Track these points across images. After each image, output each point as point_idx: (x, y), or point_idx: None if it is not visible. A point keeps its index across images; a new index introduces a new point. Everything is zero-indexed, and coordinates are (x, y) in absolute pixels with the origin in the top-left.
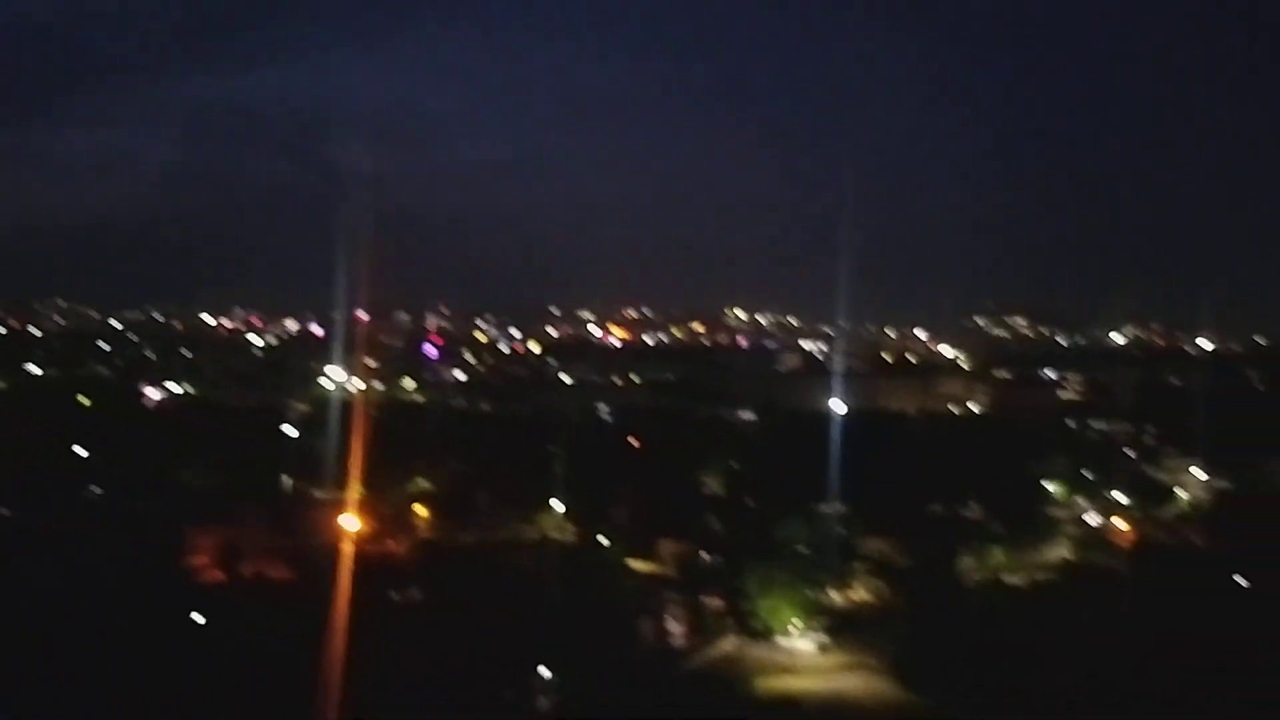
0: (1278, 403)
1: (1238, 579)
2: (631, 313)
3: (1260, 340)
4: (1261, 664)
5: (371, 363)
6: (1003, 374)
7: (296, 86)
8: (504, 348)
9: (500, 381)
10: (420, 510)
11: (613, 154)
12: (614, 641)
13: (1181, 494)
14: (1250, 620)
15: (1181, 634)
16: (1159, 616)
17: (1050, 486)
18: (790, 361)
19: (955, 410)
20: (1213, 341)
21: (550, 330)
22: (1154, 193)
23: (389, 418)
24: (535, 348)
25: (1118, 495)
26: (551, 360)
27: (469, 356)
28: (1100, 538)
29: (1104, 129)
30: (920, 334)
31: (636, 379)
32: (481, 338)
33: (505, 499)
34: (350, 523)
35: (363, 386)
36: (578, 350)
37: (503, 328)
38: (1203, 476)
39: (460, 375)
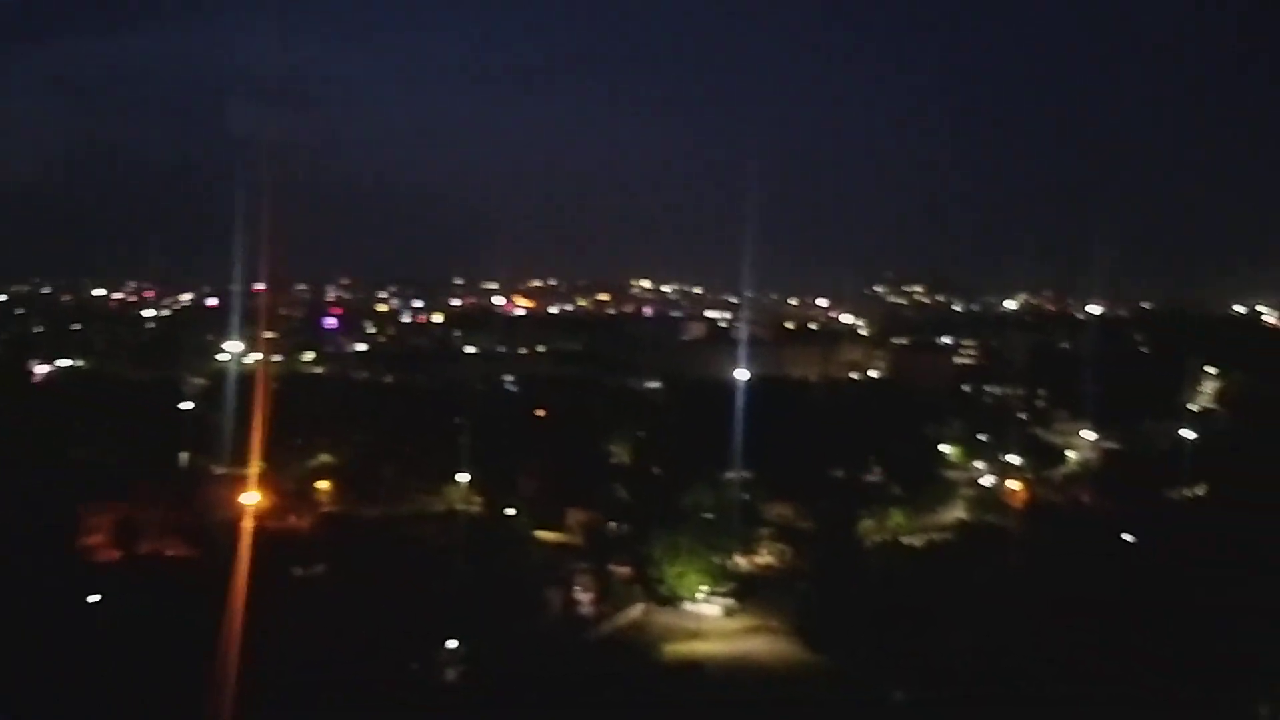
0: (1162, 365)
1: (1125, 536)
2: (537, 283)
3: (1146, 305)
4: (1146, 619)
5: (270, 335)
6: (901, 341)
7: (190, 50)
8: (406, 319)
9: (403, 353)
10: (323, 484)
11: (518, 124)
12: (521, 611)
13: (1072, 455)
14: (1135, 576)
15: (1071, 592)
16: (1050, 575)
17: (947, 450)
18: (695, 331)
19: (856, 377)
20: (1101, 307)
21: (454, 301)
22: (1044, 163)
23: (289, 391)
24: (438, 319)
25: (1011, 457)
26: (455, 331)
27: (370, 328)
28: (995, 499)
29: (995, 99)
30: (822, 302)
31: (542, 349)
32: (383, 309)
33: (410, 471)
34: (251, 498)
35: (261, 359)
36: (482, 321)
37: (405, 299)
38: (1091, 437)
39: (361, 347)
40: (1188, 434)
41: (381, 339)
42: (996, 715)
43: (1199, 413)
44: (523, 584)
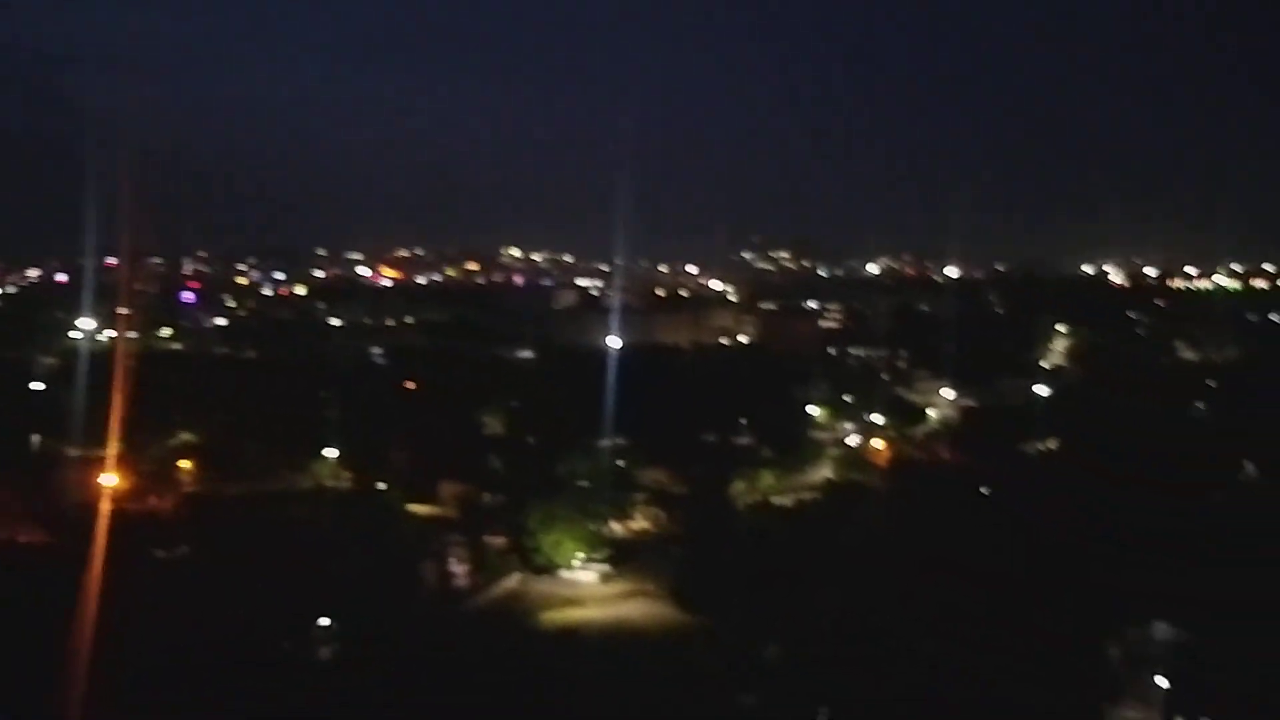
0: (1016, 325)
1: (983, 490)
2: (403, 253)
3: (1000, 267)
4: (1003, 570)
5: (125, 311)
6: (769, 306)
7: (33, 17)
8: (268, 292)
9: (265, 327)
10: (185, 464)
11: (382, 92)
12: (395, 586)
13: (932, 413)
14: (992, 528)
15: (933, 546)
16: (913, 530)
17: (814, 411)
18: (566, 299)
19: (726, 342)
20: (958, 270)
21: (317, 273)
22: (901, 131)
23: (146, 369)
24: (301, 291)
25: (875, 417)
26: (319, 304)
27: (230, 302)
28: (860, 457)
29: (854, 66)
30: (691, 269)
31: (410, 320)
32: (243, 282)
33: (276, 448)
34: (109, 480)
35: (116, 337)
36: (347, 293)
37: (265, 271)
38: (950, 395)
39: (221, 322)
40: (1041, 390)
41: (242, 313)
42: (865, 670)
43: (1051, 369)
44: (395, 559)
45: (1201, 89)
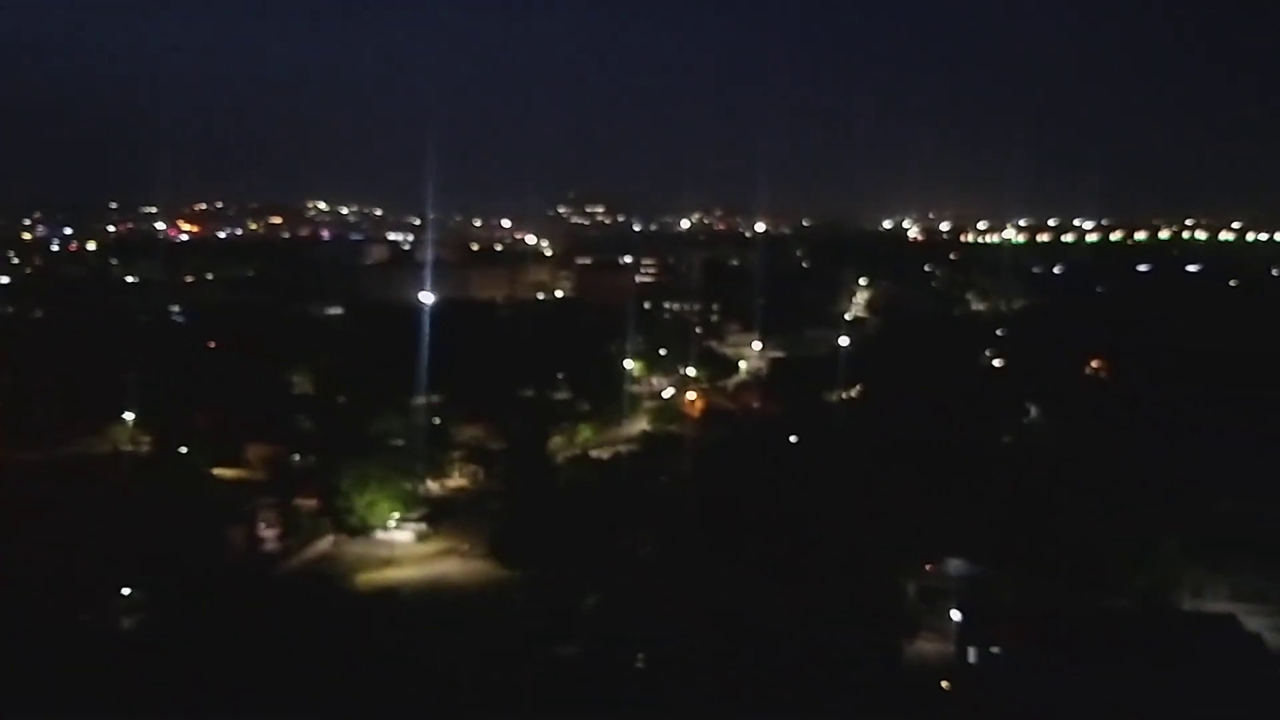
0: (821, 278)
1: (791, 438)
2: (202, 206)
3: (806, 222)
4: (808, 513)
5: None
6: (584, 260)
7: None
8: (55, 247)
9: (53, 285)
10: None
11: (177, 32)
12: (200, 553)
13: (743, 364)
14: (797, 473)
15: (744, 492)
16: (725, 477)
17: (630, 365)
18: (377, 253)
19: (542, 297)
20: (766, 225)
21: (109, 227)
22: (711, 87)
23: None
24: (92, 246)
25: (689, 369)
26: (113, 260)
27: (14, 259)
28: (675, 409)
29: (666, 23)
30: (506, 224)
31: (211, 277)
32: (28, 237)
33: (70, 412)
34: None
35: None
36: (142, 248)
37: (52, 226)
38: (760, 347)
39: (3, 280)
40: (844, 341)
41: (28, 270)
42: (680, 616)
43: (853, 320)
44: (200, 524)
45: (989, 55)
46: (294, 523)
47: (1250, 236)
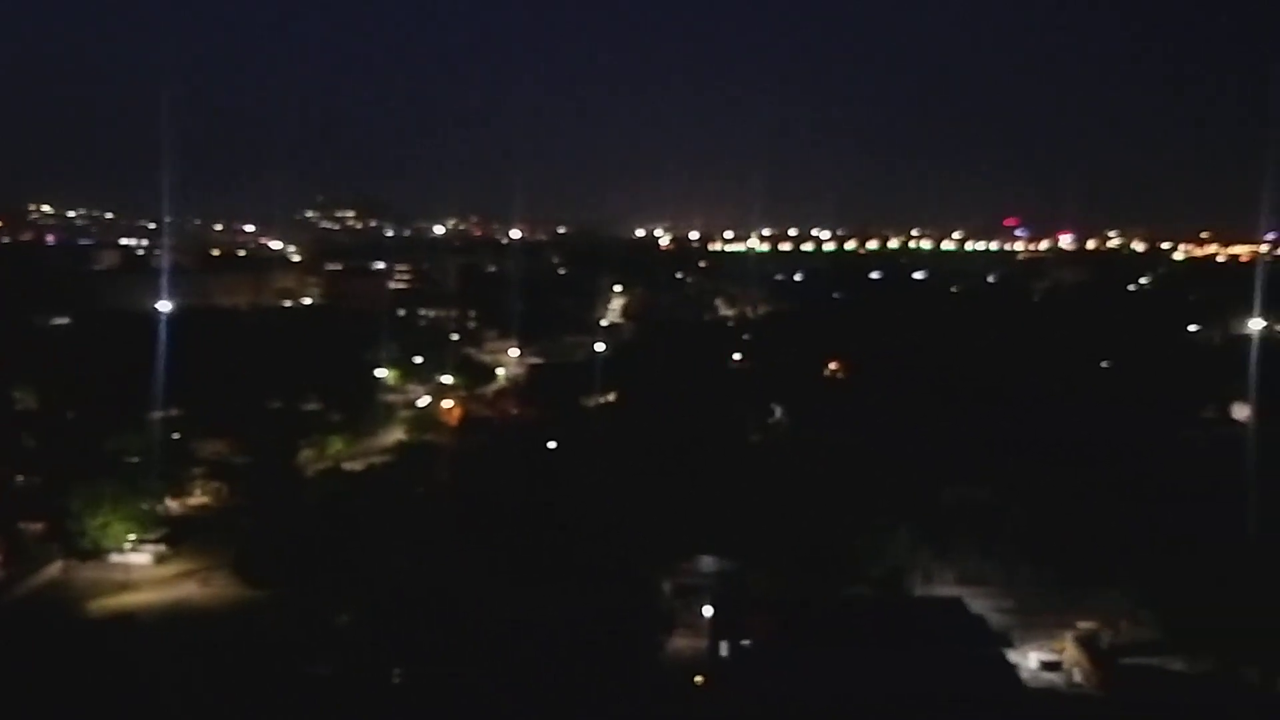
0: (577, 285)
1: (549, 444)
2: None
3: (562, 230)
4: (565, 517)
5: None
6: (334, 266)
7: None
8: None
9: None
10: None
11: None
12: None
13: (501, 371)
14: (555, 478)
15: (500, 500)
16: (481, 486)
17: (384, 373)
18: (108, 259)
19: (289, 304)
20: (522, 231)
21: None
22: (463, 92)
23: None
24: None
25: (446, 377)
26: None
27: None
28: (431, 418)
29: (416, 28)
30: (249, 228)
31: None
32: None
33: None
34: None
35: None
36: None
37: None
38: (517, 354)
39: None
40: (600, 346)
41: None
42: (437, 628)
43: (609, 326)
44: None
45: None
46: (18, 548)
47: (969, 246)
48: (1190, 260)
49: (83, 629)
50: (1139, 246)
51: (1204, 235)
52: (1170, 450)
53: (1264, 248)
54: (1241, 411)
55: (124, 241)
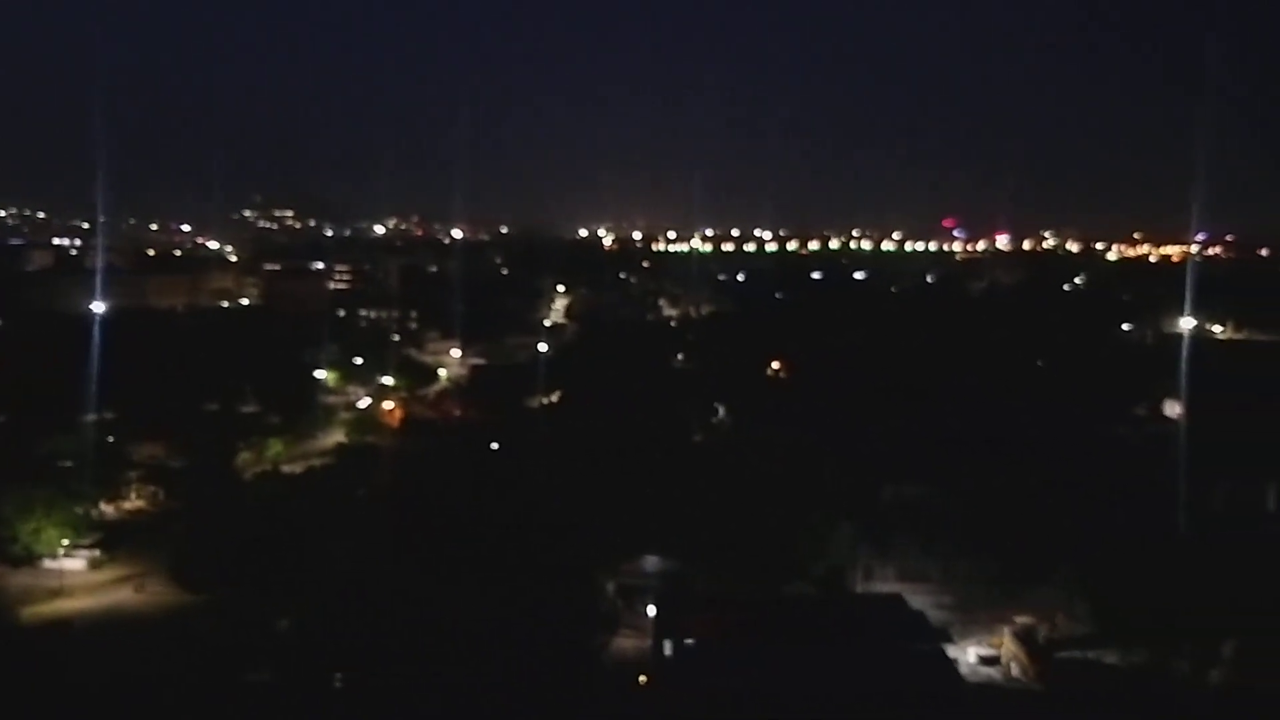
0: (520, 285)
1: (492, 445)
2: None
3: (504, 229)
4: (508, 517)
5: None
6: (273, 266)
7: None
8: None
9: None
10: None
11: None
12: None
13: (443, 372)
14: (497, 479)
15: (441, 500)
16: (423, 487)
17: (324, 375)
18: (40, 259)
19: (226, 305)
20: (464, 231)
21: None
22: (404, 92)
23: None
24: None
25: (387, 378)
26: None
27: None
28: (372, 420)
29: (352, 26)
30: (185, 228)
31: None
32: None
33: None
34: None
35: None
36: None
37: None
38: (460, 354)
39: None
40: (543, 347)
41: None
42: (379, 630)
43: (552, 327)
44: None
45: (675, 72)
46: None
47: (909, 247)
48: (1123, 260)
49: (15, 636)
50: (1073, 247)
51: (1136, 236)
52: (1104, 447)
53: (1194, 248)
54: (1173, 409)
55: (57, 241)
